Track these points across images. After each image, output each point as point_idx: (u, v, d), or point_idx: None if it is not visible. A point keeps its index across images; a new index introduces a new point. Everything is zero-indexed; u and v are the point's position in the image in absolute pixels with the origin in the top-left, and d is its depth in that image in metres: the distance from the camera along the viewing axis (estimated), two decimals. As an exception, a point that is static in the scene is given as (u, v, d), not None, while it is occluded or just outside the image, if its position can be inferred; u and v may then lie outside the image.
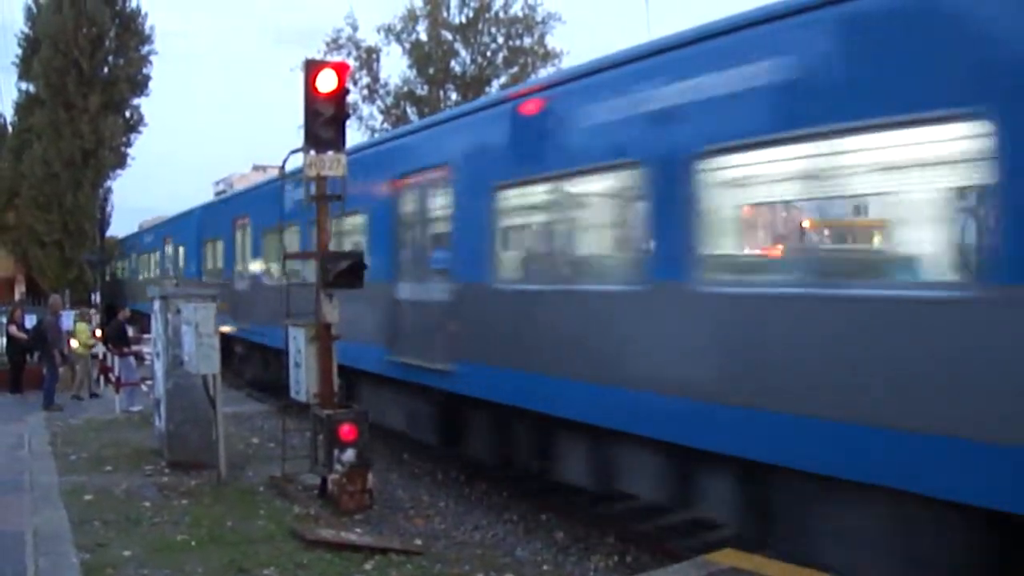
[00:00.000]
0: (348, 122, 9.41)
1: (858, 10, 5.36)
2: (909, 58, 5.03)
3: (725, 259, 6.57)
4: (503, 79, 33.27)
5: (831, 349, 5.41)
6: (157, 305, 11.29)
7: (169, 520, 8.05)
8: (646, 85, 6.89)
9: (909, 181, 5.46)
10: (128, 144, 36.16)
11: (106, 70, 34.42)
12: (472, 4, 33.46)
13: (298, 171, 10.25)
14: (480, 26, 33.69)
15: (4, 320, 19.72)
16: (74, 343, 18.14)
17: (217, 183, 73.90)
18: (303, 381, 9.23)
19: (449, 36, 33.86)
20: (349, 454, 8.62)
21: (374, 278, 9.68)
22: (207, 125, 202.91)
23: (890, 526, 5.29)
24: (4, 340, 19.61)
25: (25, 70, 35.40)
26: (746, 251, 6.85)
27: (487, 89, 32.41)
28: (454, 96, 33.60)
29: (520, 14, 33.44)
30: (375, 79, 34.35)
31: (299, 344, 9.25)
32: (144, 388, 15.37)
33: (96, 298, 32.46)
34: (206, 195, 57.91)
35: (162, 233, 28.97)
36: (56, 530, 7.61)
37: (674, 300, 6.52)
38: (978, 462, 4.62)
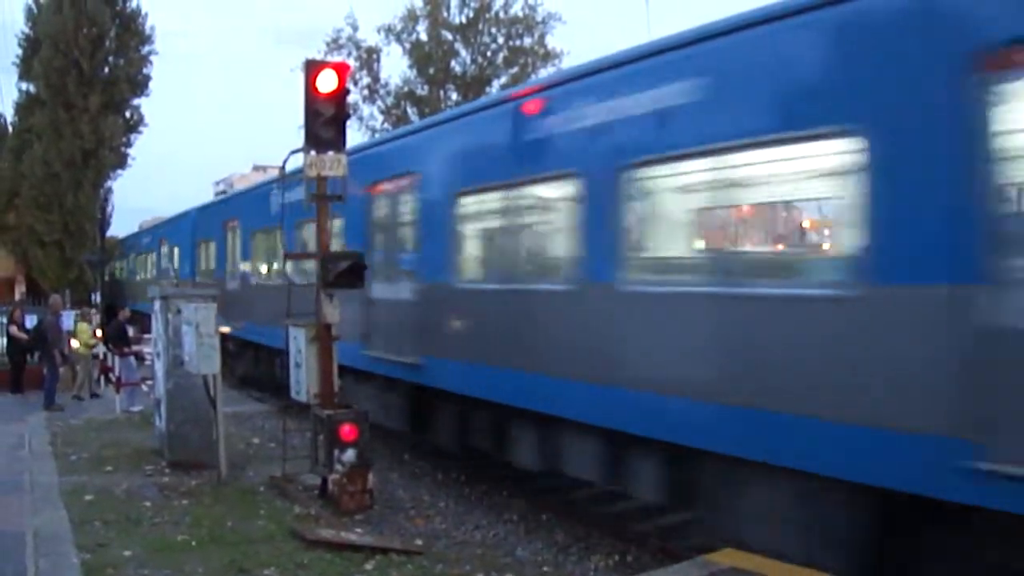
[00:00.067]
0: (348, 122, 9.44)
1: (748, 39, 6.08)
2: (795, 82, 5.77)
3: (643, 261, 7.26)
4: (503, 79, 33.30)
5: (733, 341, 6.10)
6: (158, 305, 11.29)
7: (170, 520, 8.06)
8: (580, 104, 7.61)
9: (799, 191, 6.22)
10: (128, 144, 36.10)
11: (106, 70, 34.35)
12: (472, 4, 33.49)
13: (289, 173, 10.70)
14: (480, 26, 33.71)
15: (4, 320, 19.70)
16: (75, 343, 18.14)
17: (217, 183, 73.92)
18: (303, 381, 9.24)
19: (449, 36, 33.87)
20: (349, 454, 8.63)
21: None
22: (207, 125, 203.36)
23: (790, 502, 5.87)
24: (4, 340, 19.59)
25: (25, 70, 35.33)
26: (660, 254, 7.42)
27: (488, 89, 32.43)
28: (455, 96, 33.62)
29: (520, 14, 33.49)
30: (375, 79, 34.41)
31: (299, 344, 9.26)
32: (145, 388, 15.38)
33: (96, 298, 32.47)
34: (206, 195, 57.94)
35: (158, 234, 29.32)
36: (56, 530, 7.61)
37: (601, 298, 7.24)
38: (861, 443, 5.20)
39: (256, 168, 63.43)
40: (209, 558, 6.93)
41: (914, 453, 4.91)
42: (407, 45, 33.89)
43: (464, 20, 33.71)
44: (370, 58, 34.21)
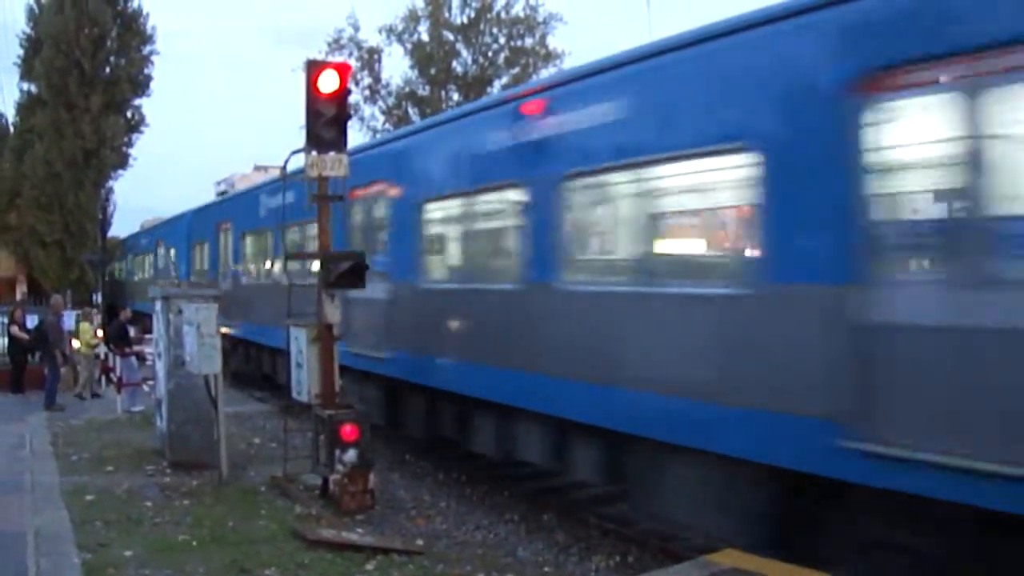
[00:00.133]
0: (350, 123, 9.46)
1: (660, 64, 6.79)
2: (702, 103, 6.40)
3: (579, 263, 7.97)
4: (505, 79, 33.31)
5: (654, 336, 6.73)
6: (159, 305, 11.29)
7: (171, 520, 8.06)
8: (525, 119, 8.24)
9: (707, 200, 6.90)
10: (130, 144, 36.17)
11: (108, 70, 34.41)
12: (474, 4, 33.49)
13: (274, 180, 11.15)
14: (482, 26, 33.70)
15: (6, 320, 19.71)
16: (77, 343, 18.16)
17: (219, 183, 73.79)
18: (304, 381, 9.24)
19: (451, 36, 33.88)
20: (351, 454, 8.63)
21: None
22: (208, 125, 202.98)
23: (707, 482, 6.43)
24: (6, 340, 19.60)
25: (27, 70, 35.37)
26: (592, 257, 8.19)
27: (489, 89, 32.44)
28: (456, 96, 33.63)
29: (522, 14, 33.48)
30: (377, 79, 34.43)
31: (301, 344, 9.26)
32: (146, 388, 15.38)
33: (97, 298, 32.50)
34: (208, 195, 57.97)
35: (156, 236, 29.60)
36: (57, 530, 7.61)
37: (544, 297, 7.92)
38: (759, 427, 5.76)
39: (257, 168, 63.30)
40: (210, 558, 6.93)
41: (798, 434, 5.52)
42: (408, 45, 33.92)
43: (465, 20, 33.72)
44: (371, 58, 34.24)
